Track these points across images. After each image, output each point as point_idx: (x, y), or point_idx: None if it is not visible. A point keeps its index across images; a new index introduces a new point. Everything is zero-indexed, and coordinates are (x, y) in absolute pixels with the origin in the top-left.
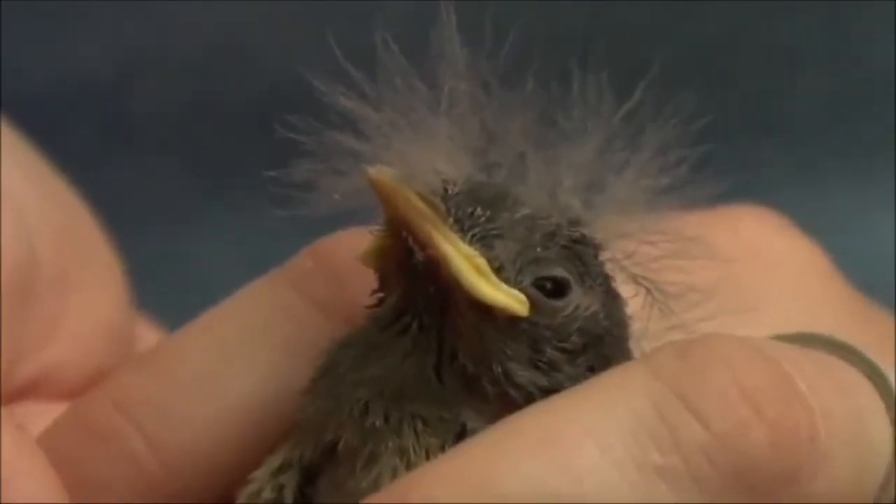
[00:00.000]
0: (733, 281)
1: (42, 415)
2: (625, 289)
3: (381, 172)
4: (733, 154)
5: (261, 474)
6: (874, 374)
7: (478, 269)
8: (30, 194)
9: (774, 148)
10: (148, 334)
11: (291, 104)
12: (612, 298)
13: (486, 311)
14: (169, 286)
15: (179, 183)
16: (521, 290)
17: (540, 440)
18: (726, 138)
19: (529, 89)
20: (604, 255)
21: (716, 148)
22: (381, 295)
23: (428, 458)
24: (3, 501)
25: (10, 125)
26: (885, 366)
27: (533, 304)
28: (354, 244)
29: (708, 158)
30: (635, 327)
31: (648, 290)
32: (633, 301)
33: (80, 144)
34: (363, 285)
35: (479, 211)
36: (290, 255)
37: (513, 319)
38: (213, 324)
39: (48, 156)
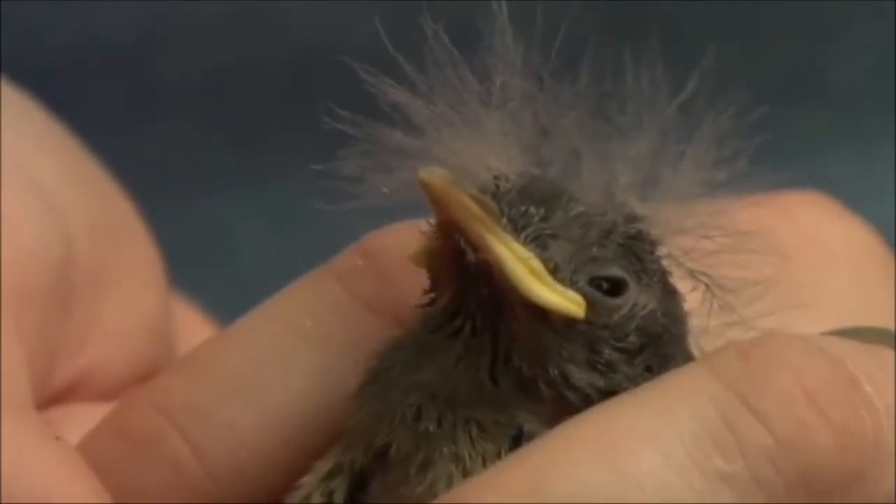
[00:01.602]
0: (790, 272)
1: (82, 417)
2: (683, 284)
3: (432, 174)
4: (778, 122)
5: (310, 480)
6: None
7: (533, 271)
8: (65, 187)
9: (818, 114)
10: (184, 314)
11: (323, 67)
12: (670, 295)
13: (541, 314)
14: (199, 253)
15: (208, 149)
16: (577, 290)
17: (600, 446)
18: (773, 108)
19: (582, 83)
20: (660, 251)
21: (763, 118)
22: (432, 295)
23: (484, 464)
24: None
25: (40, 106)
26: None
27: (589, 305)
28: (404, 240)
29: (756, 126)
30: (694, 324)
31: (707, 286)
32: (691, 297)
33: (107, 111)
34: (414, 283)
35: (532, 209)
36: (321, 221)
37: (569, 321)
38: (259, 324)
39: (74, 125)
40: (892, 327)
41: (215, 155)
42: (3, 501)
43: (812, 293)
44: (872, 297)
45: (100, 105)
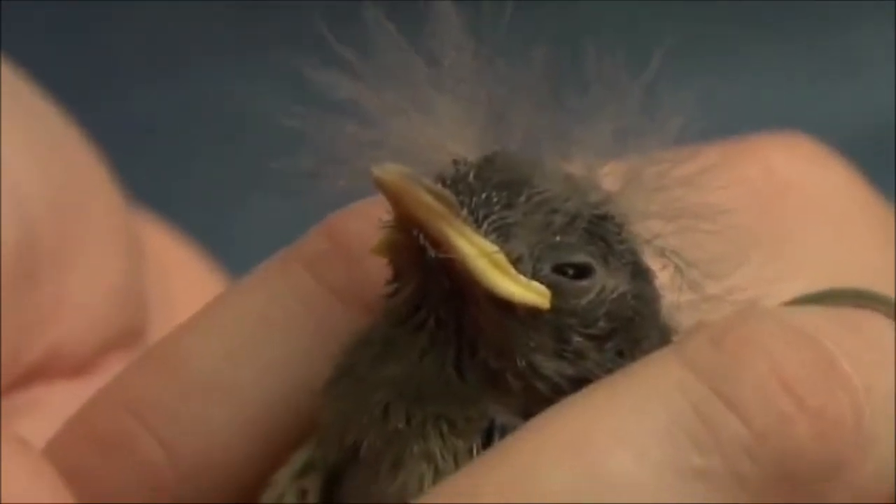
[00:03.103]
0: (769, 224)
1: (55, 398)
2: (654, 262)
3: (386, 170)
4: None
5: (282, 477)
6: None
7: (495, 264)
8: (26, 162)
9: None
10: (151, 236)
11: None
12: (641, 275)
13: (506, 306)
14: (205, 127)
15: (214, 23)
16: (540, 279)
17: (572, 447)
18: None
19: (536, 62)
20: (628, 232)
21: None
22: (395, 286)
23: (456, 462)
24: None
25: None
26: None
27: (555, 293)
28: (368, 220)
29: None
30: (667, 300)
31: (677, 267)
32: (664, 272)
33: None
34: (380, 267)
35: (493, 195)
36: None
37: (535, 311)
38: (226, 315)
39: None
40: (882, 285)
41: (221, 28)
42: None
43: (794, 247)
44: (859, 249)
45: None
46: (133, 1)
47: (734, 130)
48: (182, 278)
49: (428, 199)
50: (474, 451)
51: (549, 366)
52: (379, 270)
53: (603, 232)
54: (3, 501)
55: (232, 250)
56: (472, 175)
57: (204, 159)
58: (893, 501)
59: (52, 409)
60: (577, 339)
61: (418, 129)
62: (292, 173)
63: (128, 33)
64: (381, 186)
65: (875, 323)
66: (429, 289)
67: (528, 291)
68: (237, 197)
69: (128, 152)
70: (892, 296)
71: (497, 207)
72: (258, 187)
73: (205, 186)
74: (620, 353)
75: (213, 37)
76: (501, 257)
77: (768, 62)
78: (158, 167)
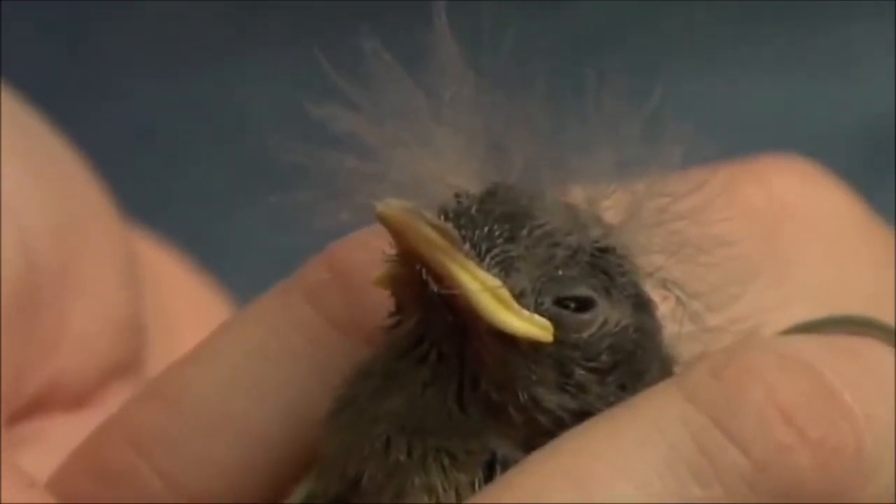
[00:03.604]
0: (769, 246)
1: (56, 431)
2: (655, 293)
3: (388, 206)
4: None
5: None
6: None
7: (498, 298)
8: (25, 191)
9: None
10: (150, 256)
11: None
12: (643, 307)
13: (508, 340)
14: (202, 127)
15: (212, 24)
16: (542, 312)
17: (574, 481)
18: None
19: (535, 91)
20: (630, 265)
21: None
22: (397, 318)
23: (458, 495)
24: None
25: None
26: None
27: (557, 326)
28: (370, 250)
29: None
30: (669, 331)
31: (678, 299)
32: (666, 302)
33: None
34: (383, 297)
35: (496, 229)
36: (325, 95)
37: (537, 345)
38: (226, 347)
39: None
40: (881, 308)
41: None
42: None
43: (793, 273)
44: (858, 273)
45: None
46: (132, 0)
47: (731, 130)
48: (181, 297)
49: (430, 233)
50: (476, 485)
51: (552, 399)
52: (380, 301)
53: (605, 265)
54: None
55: (228, 252)
56: (474, 208)
57: (202, 160)
58: None
59: (54, 440)
60: (579, 372)
61: (419, 162)
62: (291, 205)
63: (126, 33)
64: (383, 221)
65: (873, 350)
66: (431, 322)
67: (530, 325)
68: (234, 198)
69: (125, 153)
70: (891, 322)
71: (500, 241)
72: (256, 190)
73: (202, 187)
74: (623, 387)
75: (212, 37)
76: (504, 291)
77: (765, 59)
78: (156, 167)
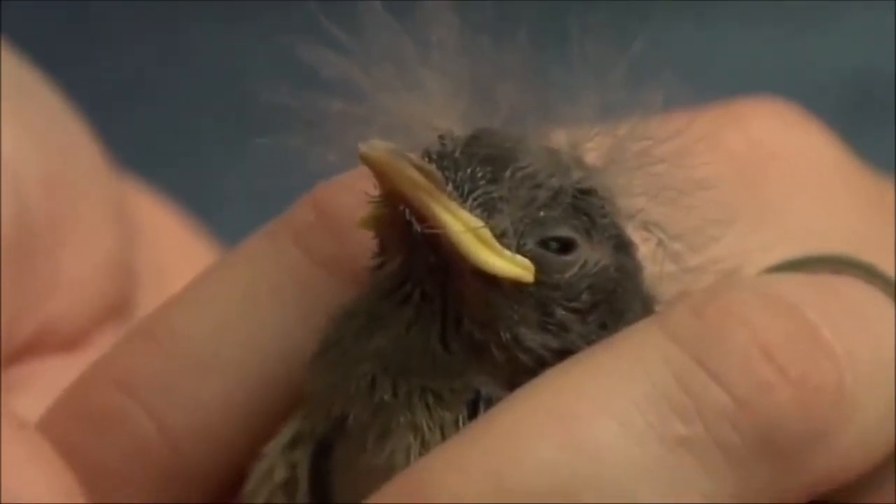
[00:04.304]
0: (749, 189)
1: (49, 373)
2: (636, 234)
3: (372, 147)
4: None
5: (272, 449)
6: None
7: (480, 239)
8: (18, 139)
9: None
10: (141, 204)
11: None
12: (624, 248)
13: (491, 280)
14: (193, 77)
15: None
16: (525, 253)
17: (556, 420)
18: None
19: (520, 37)
20: (611, 206)
21: None
22: (381, 259)
23: (442, 433)
24: None
25: None
26: None
27: (539, 266)
28: (357, 192)
29: None
30: (650, 271)
31: (660, 241)
32: (647, 244)
33: None
34: (368, 238)
35: (479, 171)
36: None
37: (519, 285)
38: (213, 288)
39: None
40: (863, 249)
41: None
42: None
43: (775, 215)
44: (837, 212)
45: None
46: None
47: (713, 80)
48: (172, 247)
49: (414, 174)
50: (460, 423)
51: (534, 338)
52: (366, 242)
53: (586, 206)
54: (1, 479)
55: (219, 200)
56: (457, 150)
57: (192, 109)
58: (874, 469)
59: (46, 383)
60: (560, 312)
61: (406, 106)
62: (279, 148)
63: None
64: (367, 162)
65: (854, 288)
66: (414, 263)
67: (512, 265)
68: (225, 147)
69: (115, 103)
70: (871, 261)
71: (482, 182)
72: (246, 139)
73: (193, 136)
74: (604, 326)
75: None
76: (486, 232)
77: (748, 10)
78: (146, 117)
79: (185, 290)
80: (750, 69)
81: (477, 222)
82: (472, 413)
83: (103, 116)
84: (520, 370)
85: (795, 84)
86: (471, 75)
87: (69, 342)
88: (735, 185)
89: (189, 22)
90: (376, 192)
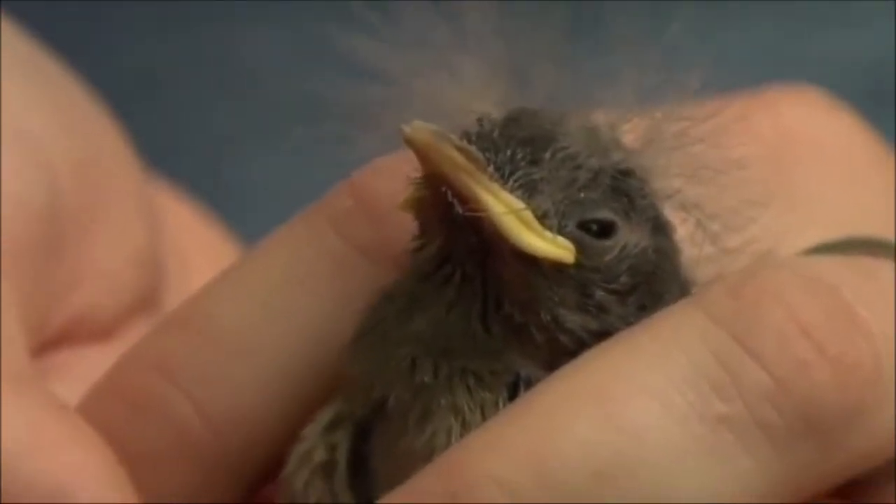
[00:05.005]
0: (781, 174)
1: (82, 363)
2: (674, 215)
3: (415, 129)
4: None
5: (312, 431)
6: None
7: (521, 220)
8: (49, 128)
9: None
10: (165, 201)
11: None
12: (662, 230)
13: (531, 261)
14: (216, 71)
15: None
16: (565, 235)
17: (596, 400)
18: None
19: (557, 20)
20: (649, 187)
21: None
22: (421, 241)
23: (483, 415)
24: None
25: (24, 34)
26: None
27: (579, 248)
28: (393, 176)
29: None
30: (688, 254)
31: (698, 221)
32: (685, 225)
33: None
34: (406, 223)
35: (518, 152)
36: (340, 47)
37: (560, 266)
38: (251, 274)
39: None
40: (892, 234)
41: None
42: (10, 485)
43: (805, 197)
44: (869, 198)
45: None
46: None
47: (741, 75)
48: (193, 243)
49: (456, 155)
50: (500, 404)
51: (573, 319)
52: (403, 227)
53: (626, 187)
54: (44, 460)
55: (240, 197)
56: (497, 132)
57: (215, 104)
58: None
59: (80, 371)
60: (600, 293)
61: (442, 90)
62: (316, 137)
63: None
64: (409, 143)
65: (889, 271)
66: (455, 244)
67: (553, 247)
68: (247, 143)
69: (134, 104)
70: None
71: (522, 164)
72: (269, 134)
73: (209, 139)
74: (642, 307)
75: None
76: (527, 213)
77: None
78: (167, 112)
79: (222, 275)
80: (767, 64)
81: (519, 204)
82: (513, 395)
83: (122, 113)
84: (559, 352)
85: (812, 75)
86: (507, 58)
87: (102, 332)
88: (767, 170)
89: (210, 14)
90: (415, 175)
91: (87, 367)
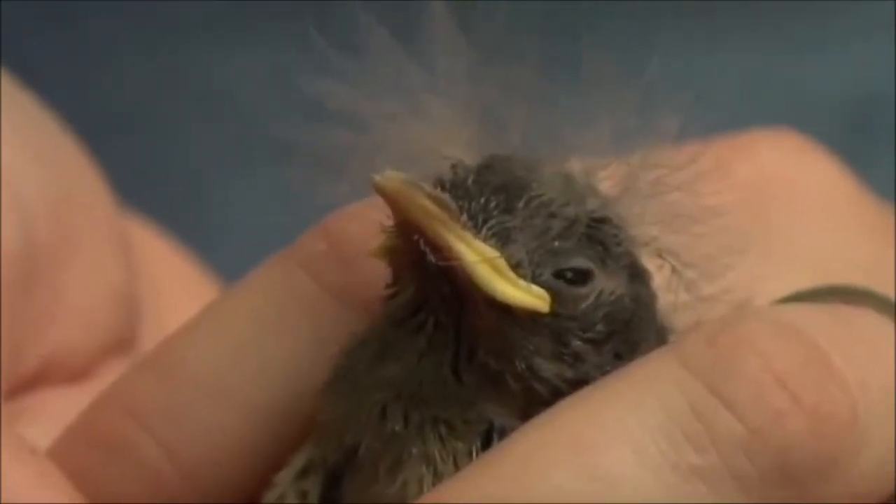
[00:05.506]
0: (759, 219)
1: (55, 404)
2: (650, 262)
3: (386, 177)
4: None
5: (283, 478)
6: None
7: (495, 268)
8: (25, 168)
9: None
10: (140, 238)
11: None
12: (638, 277)
13: (506, 310)
14: (198, 102)
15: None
16: (540, 283)
17: (571, 448)
18: None
19: (530, 62)
20: (625, 234)
21: None
22: (394, 288)
23: (455, 464)
24: None
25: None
26: None
27: (554, 297)
28: (367, 221)
29: None
30: (664, 301)
31: (673, 268)
32: (661, 272)
33: None
34: (379, 267)
35: (492, 201)
36: (319, 71)
37: (534, 315)
38: (223, 317)
39: None
40: (871, 278)
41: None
42: None
43: (785, 244)
44: (847, 241)
45: None
46: None
47: (717, 106)
48: (172, 282)
49: (428, 204)
50: (474, 454)
51: (549, 368)
52: (376, 272)
53: (601, 235)
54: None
55: (215, 232)
56: (470, 179)
57: (190, 139)
58: (889, 499)
59: (53, 413)
60: (575, 342)
61: (414, 135)
62: (284, 181)
63: (117, 11)
64: (381, 192)
65: (865, 318)
66: (428, 292)
67: (527, 296)
68: (223, 178)
69: (112, 131)
70: (882, 291)
71: (496, 212)
72: (244, 170)
73: (191, 166)
74: (618, 356)
75: (203, 14)
76: (501, 262)
77: (755, 33)
78: (144, 147)
79: (194, 319)
80: (751, 93)
81: (492, 252)
82: (486, 444)
83: (100, 148)
84: (534, 400)
85: (796, 107)
86: (480, 102)
87: (75, 373)
88: (745, 215)
89: (188, 47)
90: (388, 222)
91: (61, 408)
